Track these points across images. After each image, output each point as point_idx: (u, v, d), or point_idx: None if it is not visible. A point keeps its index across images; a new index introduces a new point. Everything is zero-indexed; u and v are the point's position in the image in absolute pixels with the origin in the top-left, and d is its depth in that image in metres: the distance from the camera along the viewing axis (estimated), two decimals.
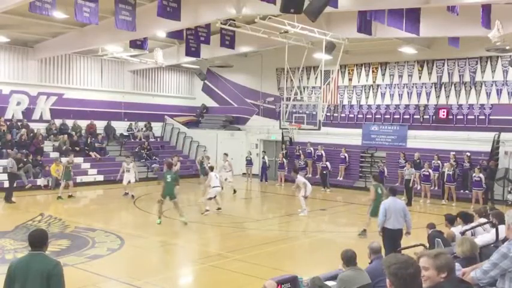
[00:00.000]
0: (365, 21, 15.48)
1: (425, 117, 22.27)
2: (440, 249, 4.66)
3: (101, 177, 22.82)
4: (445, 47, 18.50)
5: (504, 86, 20.18)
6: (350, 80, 24.52)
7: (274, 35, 17.71)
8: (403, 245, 8.69)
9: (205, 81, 28.87)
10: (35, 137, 22.31)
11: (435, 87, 21.97)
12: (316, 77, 23.45)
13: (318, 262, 11.02)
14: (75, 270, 9.58)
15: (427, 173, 19.77)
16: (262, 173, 25.28)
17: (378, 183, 13.23)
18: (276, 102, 26.16)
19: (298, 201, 16.60)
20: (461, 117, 21.23)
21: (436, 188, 20.20)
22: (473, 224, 8.20)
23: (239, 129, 28.43)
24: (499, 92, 20.31)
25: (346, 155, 23.49)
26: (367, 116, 24.00)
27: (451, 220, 8.99)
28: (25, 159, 20.47)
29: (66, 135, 23.59)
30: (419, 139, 22.15)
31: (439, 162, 20.25)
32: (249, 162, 25.46)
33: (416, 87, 22.50)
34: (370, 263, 6.87)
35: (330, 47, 18.61)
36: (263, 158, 25.49)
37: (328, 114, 23.97)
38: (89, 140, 24.18)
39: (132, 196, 19.11)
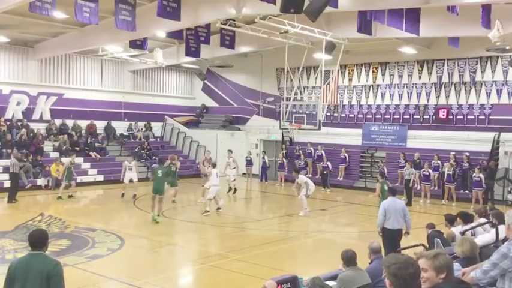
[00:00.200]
0: (365, 21, 15.48)
1: (425, 117, 22.26)
2: (439, 250, 4.65)
3: (101, 177, 22.82)
4: (445, 47, 18.49)
5: (504, 86, 20.18)
6: (350, 80, 24.52)
7: (274, 35, 17.70)
8: (403, 245, 8.69)
9: (205, 81, 28.85)
10: (35, 137, 22.30)
11: (435, 87, 21.97)
12: (316, 77, 23.43)
13: (318, 262, 11.02)
14: (75, 270, 9.58)
15: (427, 173, 19.77)
16: (262, 173, 25.29)
17: (384, 180, 13.75)
18: (276, 102, 26.15)
19: (299, 201, 16.59)
20: (461, 117, 21.22)
21: (436, 188, 20.19)
22: (473, 224, 8.20)
23: (239, 129, 28.43)
24: (499, 92, 20.31)
25: (346, 155, 23.49)
26: (367, 116, 23.99)
27: (451, 220, 8.99)
28: (25, 159, 20.48)
29: (66, 135, 23.58)
30: (419, 139, 22.15)
31: (439, 162, 20.24)
32: (249, 162, 25.46)
33: (416, 87, 22.50)
34: (370, 263, 6.89)
35: (330, 47, 18.61)
36: (263, 158, 25.50)
37: (328, 114, 23.96)
38: (89, 140, 24.18)
39: (134, 195, 19.11)
